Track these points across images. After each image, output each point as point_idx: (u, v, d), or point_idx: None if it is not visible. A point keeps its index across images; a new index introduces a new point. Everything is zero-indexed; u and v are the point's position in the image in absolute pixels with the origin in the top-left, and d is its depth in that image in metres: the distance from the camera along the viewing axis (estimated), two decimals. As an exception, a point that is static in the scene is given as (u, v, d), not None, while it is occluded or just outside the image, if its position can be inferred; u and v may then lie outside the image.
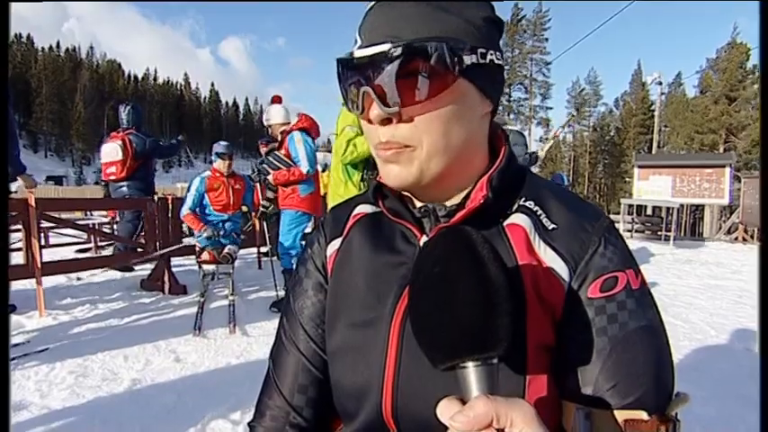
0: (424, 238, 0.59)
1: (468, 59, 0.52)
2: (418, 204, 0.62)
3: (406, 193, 0.64)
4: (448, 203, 0.60)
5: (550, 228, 0.56)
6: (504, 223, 0.57)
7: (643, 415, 0.47)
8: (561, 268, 0.53)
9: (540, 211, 0.57)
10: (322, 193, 7.38)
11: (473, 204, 0.55)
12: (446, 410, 0.38)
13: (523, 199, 0.59)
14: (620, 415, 0.48)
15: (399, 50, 0.49)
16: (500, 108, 0.63)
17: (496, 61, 0.55)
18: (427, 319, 0.41)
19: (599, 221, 0.56)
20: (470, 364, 0.39)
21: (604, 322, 0.51)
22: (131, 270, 5.04)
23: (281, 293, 4.21)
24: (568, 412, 0.50)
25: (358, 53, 0.53)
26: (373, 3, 0.55)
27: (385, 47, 0.50)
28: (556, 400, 0.53)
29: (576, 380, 0.51)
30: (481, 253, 0.41)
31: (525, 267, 0.53)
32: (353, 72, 0.53)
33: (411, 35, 0.50)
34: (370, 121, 0.54)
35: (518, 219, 0.57)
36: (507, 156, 0.60)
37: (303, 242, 4.18)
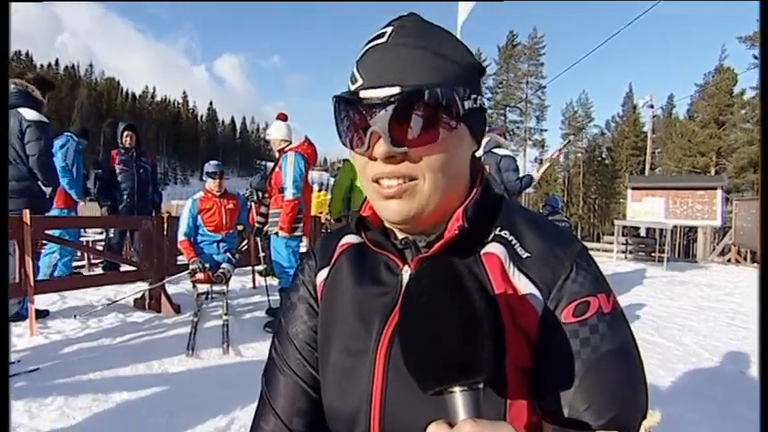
0: (406, 268, 0.62)
1: (467, 105, 0.56)
2: (400, 236, 0.64)
3: (388, 226, 0.66)
4: (428, 235, 0.62)
5: (524, 256, 0.58)
6: (481, 252, 0.60)
7: None
8: (535, 295, 0.55)
9: (514, 240, 0.60)
10: (315, 212, 7.40)
11: (450, 234, 0.58)
12: None
13: (499, 228, 0.61)
14: None
15: (410, 95, 0.52)
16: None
17: (483, 105, 0.60)
18: (416, 347, 0.44)
19: (570, 248, 0.59)
20: (457, 389, 0.41)
21: (578, 346, 0.53)
22: None
23: (276, 313, 4.19)
24: None
25: (365, 94, 0.54)
26: (374, 43, 0.57)
27: (394, 90, 0.53)
28: (535, 423, 0.55)
29: (553, 402, 0.53)
30: (466, 284, 0.44)
31: (501, 294, 0.56)
32: (358, 111, 0.55)
33: (417, 80, 0.53)
34: (371, 158, 0.56)
35: (493, 248, 0.59)
36: (483, 187, 0.63)
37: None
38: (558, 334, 0.54)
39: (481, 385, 0.42)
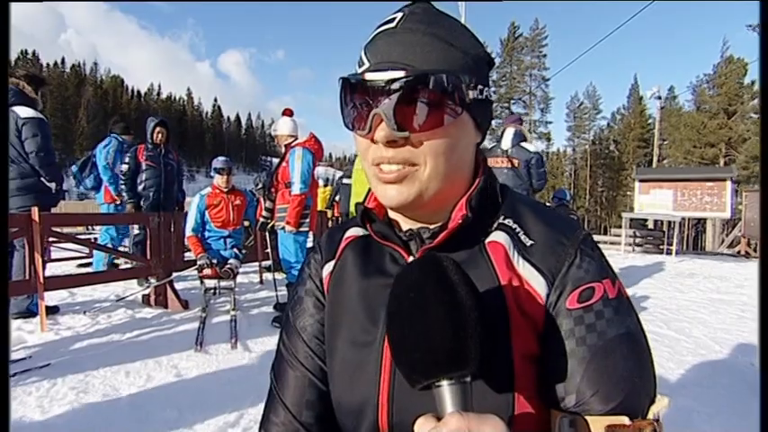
0: (411, 260, 0.62)
1: (472, 94, 0.56)
2: (404, 228, 0.65)
3: (393, 217, 0.66)
4: (432, 226, 0.62)
5: (528, 244, 0.58)
6: (486, 241, 0.60)
7: (625, 420, 0.49)
8: (540, 282, 0.55)
9: (518, 229, 0.60)
10: (320, 207, 7.41)
11: (453, 224, 0.58)
12: (422, 427, 0.41)
13: (503, 217, 0.61)
14: (603, 421, 0.49)
15: (415, 79, 0.52)
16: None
17: (489, 97, 0.60)
18: (403, 342, 0.44)
19: (574, 234, 0.59)
20: (445, 383, 0.42)
21: (584, 332, 0.53)
22: None
23: (284, 308, 4.21)
24: (554, 421, 0.52)
25: (370, 76, 0.54)
26: (383, 27, 0.57)
27: (400, 73, 0.52)
28: (544, 411, 0.54)
29: (560, 389, 0.53)
30: (451, 278, 0.44)
31: (506, 283, 0.56)
32: (363, 93, 0.55)
33: (424, 65, 0.53)
34: (372, 141, 0.56)
35: (498, 236, 0.59)
36: (485, 177, 0.63)
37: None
38: (564, 320, 0.54)
39: (468, 378, 0.43)
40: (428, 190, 0.57)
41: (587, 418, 0.50)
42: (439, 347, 0.42)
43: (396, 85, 0.52)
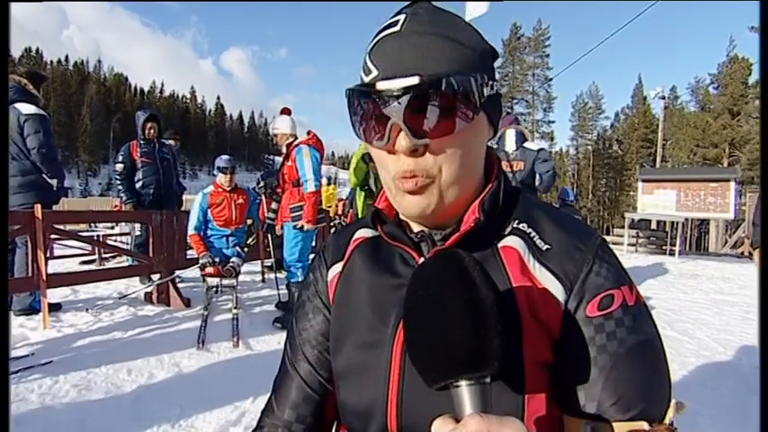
0: (422, 261, 0.60)
1: (486, 92, 0.54)
2: (415, 229, 0.64)
3: (404, 219, 0.65)
4: (444, 228, 0.61)
5: (544, 248, 0.57)
6: (499, 245, 0.59)
7: (644, 425, 0.49)
8: (556, 288, 0.54)
9: (533, 233, 0.59)
10: (325, 206, 7.43)
11: (466, 227, 0.57)
12: (441, 429, 0.40)
13: (517, 221, 0.60)
14: (623, 427, 0.49)
15: (430, 84, 0.50)
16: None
17: (499, 91, 0.59)
18: (420, 340, 0.43)
19: (591, 240, 0.58)
20: (463, 383, 0.41)
21: (604, 340, 0.52)
22: None
23: (285, 307, 4.21)
24: (573, 428, 0.52)
25: (383, 85, 0.52)
26: (387, 32, 0.55)
27: (414, 80, 0.51)
28: (555, 418, 0.54)
29: (579, 396, 0.52)
30: (472, 275, 0.43)
31: (519, 288, 0.55)
32: (374, 103, 0.53)
33: (436, 69, 0.51)
34: (390, 152, 0.55)
35: (511, 241, 0.58)
36: (499, 179, 0.61)
37: (311, 255, 4.19)
38: (584, 328, 0.53)
39: (488, 379, 0.41)
40: (447, 198, 0.56)
41: (609, 425, 0.50)
42: (458, 345, 0.40)
43: (412, 93, 0.50)
